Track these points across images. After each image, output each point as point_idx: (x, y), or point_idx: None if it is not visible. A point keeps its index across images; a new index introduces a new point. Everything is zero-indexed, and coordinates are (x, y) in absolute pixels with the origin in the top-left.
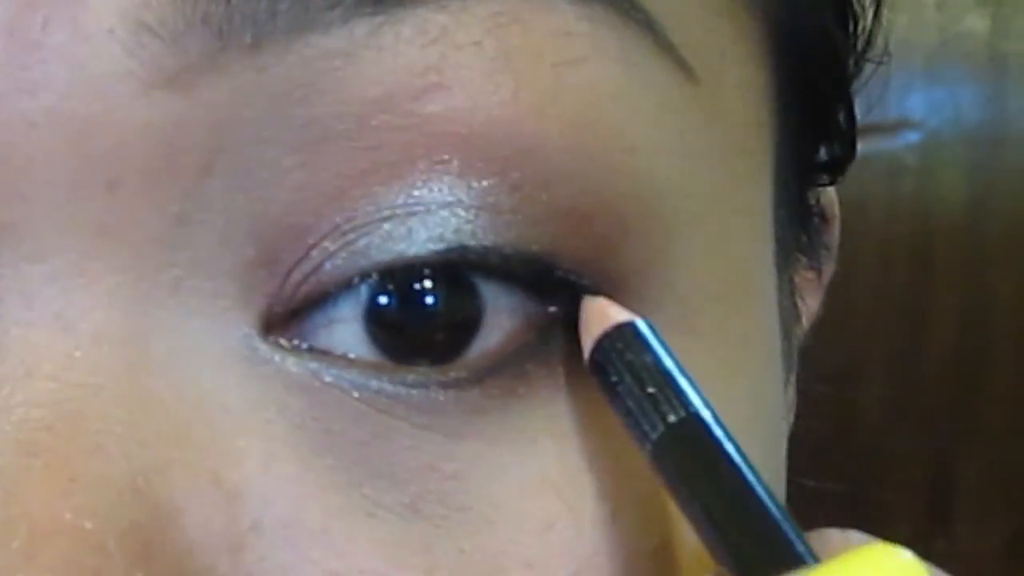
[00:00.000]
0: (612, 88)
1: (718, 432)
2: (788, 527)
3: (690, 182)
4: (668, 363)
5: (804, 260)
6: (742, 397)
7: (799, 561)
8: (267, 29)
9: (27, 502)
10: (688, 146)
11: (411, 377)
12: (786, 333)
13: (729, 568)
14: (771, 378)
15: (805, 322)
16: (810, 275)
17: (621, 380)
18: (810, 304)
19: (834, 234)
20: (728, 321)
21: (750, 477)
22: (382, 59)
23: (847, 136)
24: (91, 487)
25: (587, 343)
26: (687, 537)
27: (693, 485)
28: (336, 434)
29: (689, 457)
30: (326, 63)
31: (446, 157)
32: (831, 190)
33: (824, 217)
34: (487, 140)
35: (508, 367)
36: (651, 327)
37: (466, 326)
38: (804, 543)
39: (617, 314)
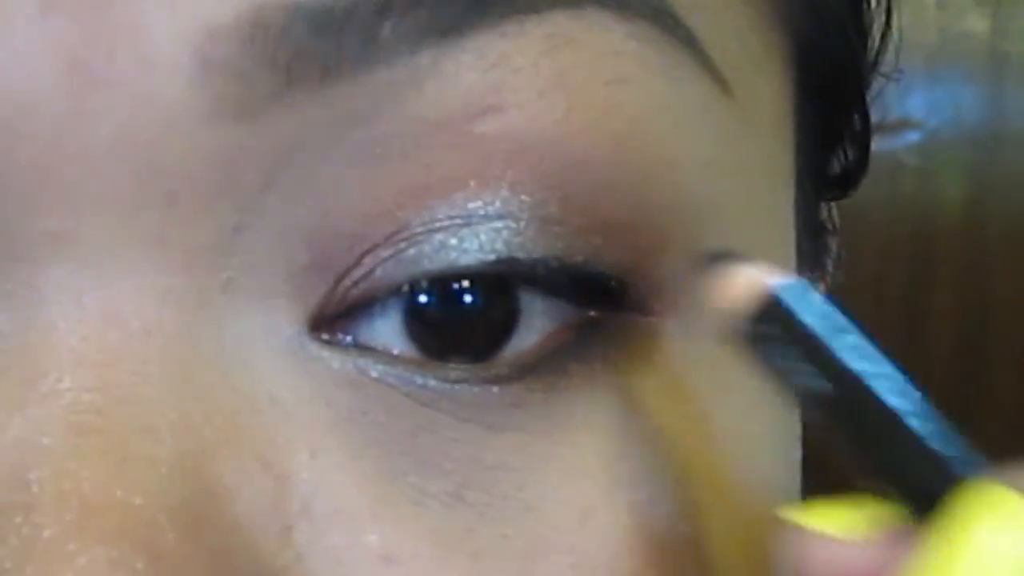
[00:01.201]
0: (656, 104)
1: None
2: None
3: (726, 194)
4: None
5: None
6: (768, 407)
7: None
8: (333, 67)
9: (78, 479)
10: (724, 159)
11: (452, 373)
12: None
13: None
14: None
15: None
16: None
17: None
18: None
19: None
20: None
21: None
22: (443, 85)
23: (861, 147)
24: (141, 466)
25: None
26: (719, 525)
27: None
28: (382, 426)
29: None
30: (390, 92)
31: (497, 173)
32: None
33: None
34: (539, 157)
35: (547, 364)
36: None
37: (504, 325)
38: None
39: (765, 278)
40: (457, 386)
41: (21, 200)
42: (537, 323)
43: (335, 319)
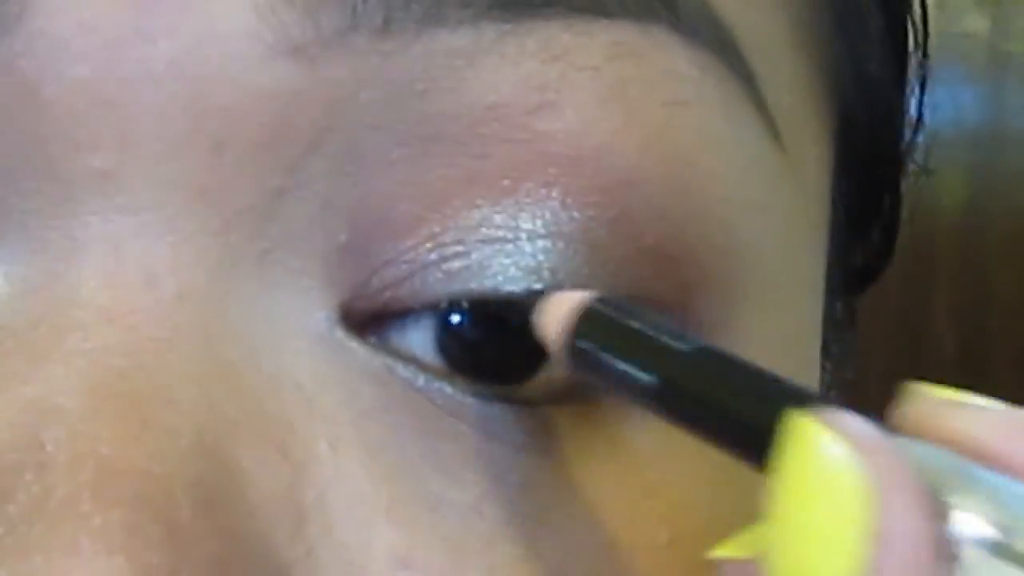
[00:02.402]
0: (712, 136)
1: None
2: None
3: (769, 245)
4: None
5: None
6: None
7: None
8: (398, 16)
9: (95, 442)
10: (771, 209)
11: (481, 389)
12: None
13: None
14: None
15: None
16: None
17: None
18: None
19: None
20: None
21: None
22: (503, 67)
23: (888, 236)
24: (161, 435)
25: (556, 337)
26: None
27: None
28: (404, 426)
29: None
30: (449, 61)
31: (551, 179)
32: None
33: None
34: (593, 166)
35: (577, 393)
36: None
37: (537, 351)
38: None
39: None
40: (485, 402)
41: (69, 133)
42: None
43: (367, 318)
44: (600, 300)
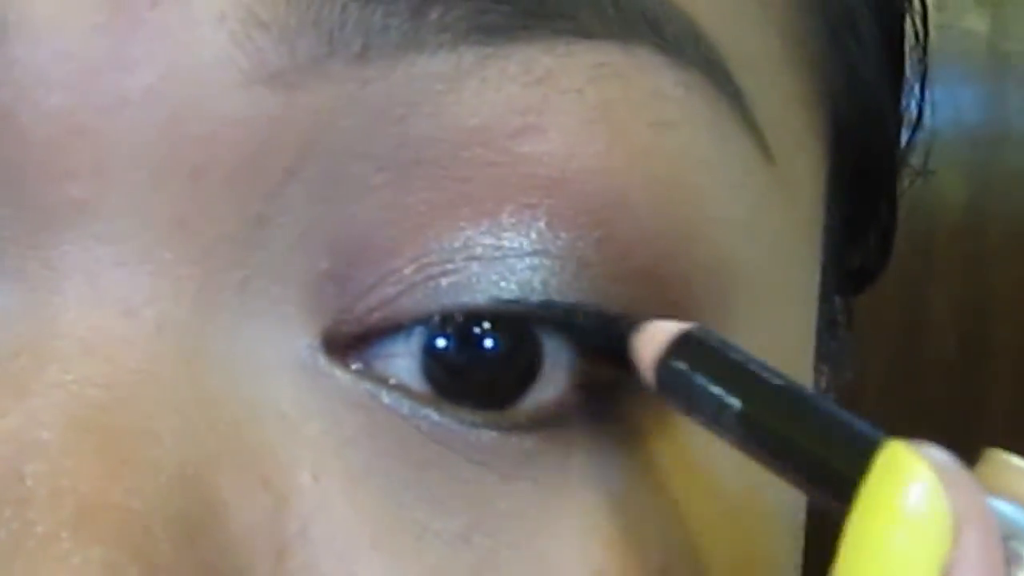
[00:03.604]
0: (699, 156)
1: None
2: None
3: (758, 263)
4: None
5: (824, 367)
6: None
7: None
8: (377, 41)
9: (76, 477)
10: (760, 226)
11: (468, 416)
12: None
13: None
14: None
15: None
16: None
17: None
18: None
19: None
20: None
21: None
22: (484, 91)
23: (885, 240)
24: (141, 470)
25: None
26: None
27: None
28: (389, 454)
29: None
30: (429, 85)
31: (535, 201)
32: None
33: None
34: (578, 188)
35: (566, 419)
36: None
37: (524, 375)
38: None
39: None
40: (471, 429)
41: (46, 162)
42: (560, 375)
43: (350, 341)
44: (701, 330)
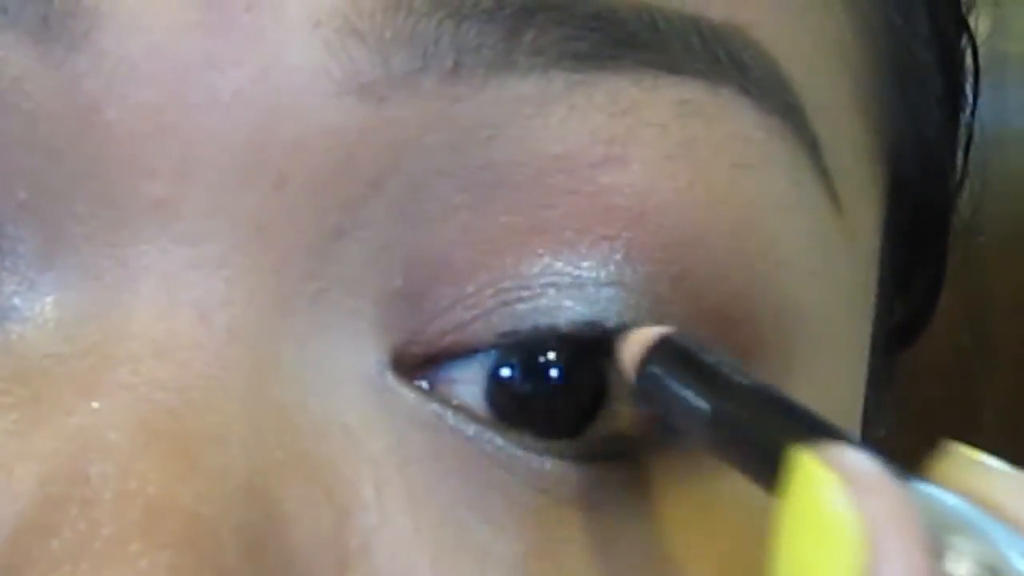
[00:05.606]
0: (775, 200)
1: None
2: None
3: (822, 311)
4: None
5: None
6: None
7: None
8: (469, 59)
9: (144, 480)
10: (827, 275)
11: (530, 442)
12: None
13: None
14: None
15: None
16: None
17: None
18: None
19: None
20: None
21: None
22: (571, 118)
23: (930, 298)
24: (210, 476)
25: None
26: None
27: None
28: (452, 476)
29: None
30: (517, 108)
31: (614, 233)
32: None
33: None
34: (657, 224)
35: (628, 451)
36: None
37: (588, 407)
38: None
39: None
40: (534, 455)
41: (129, 159)
42: (625, 408)
43: (419, 362)
44: (679, 335)
